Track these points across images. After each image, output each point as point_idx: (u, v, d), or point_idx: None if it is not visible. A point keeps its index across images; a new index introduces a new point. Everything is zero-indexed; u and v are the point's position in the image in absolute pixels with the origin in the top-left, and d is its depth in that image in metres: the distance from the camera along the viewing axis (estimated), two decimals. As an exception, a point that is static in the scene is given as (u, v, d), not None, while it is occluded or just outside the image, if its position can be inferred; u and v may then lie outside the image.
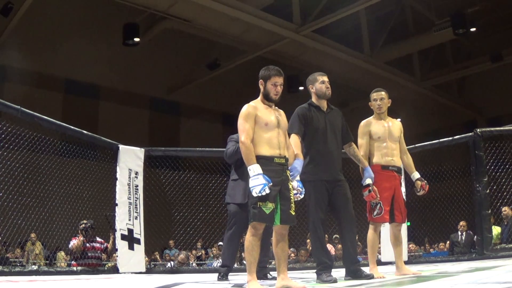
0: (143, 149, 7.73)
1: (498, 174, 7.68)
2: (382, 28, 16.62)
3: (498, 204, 7.84)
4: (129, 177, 7.41)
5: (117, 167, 7.37)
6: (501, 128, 8.06)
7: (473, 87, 20.49)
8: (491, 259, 7.00)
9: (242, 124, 3.74)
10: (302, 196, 3.95)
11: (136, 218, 7.35)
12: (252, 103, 3.85)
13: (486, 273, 4.11)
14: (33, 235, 9.47)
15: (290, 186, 3.77)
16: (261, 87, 3.87)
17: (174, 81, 18.17)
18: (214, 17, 13.66)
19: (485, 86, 19.59)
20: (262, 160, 3.66)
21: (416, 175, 4.96)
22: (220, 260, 5.76)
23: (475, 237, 8.54)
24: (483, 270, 4.61)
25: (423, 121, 18.79)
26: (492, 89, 19.01)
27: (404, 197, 5.05)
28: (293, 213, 3.73)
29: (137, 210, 7.39)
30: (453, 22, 14.73)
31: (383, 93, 4.92)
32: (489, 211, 7.43)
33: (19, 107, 6.09)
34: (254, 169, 3.57)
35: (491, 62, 17.70)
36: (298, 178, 3.94)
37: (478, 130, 7.69)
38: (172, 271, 8.23)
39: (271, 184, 3.54)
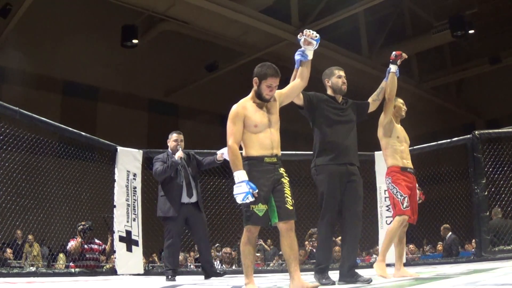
0: (141, 151, 7.73)
1: (496, 176, 7.68)
2: (381, 30, 16.63)
3: (496, 206, 7.85)
4: (127, 179, 7.40)
5: (115, 169, 7.36)
6: (500, 130, 8.06)
7: (471, 89, 20.53)
8: (489, 261, 7.01)
9: (230, 127, 3.61)
10: (317, 35, 3.81)
11: (134, 220, 7.35)
12: (241, 101, 3.71)
13: (484, 275, 4.11)
14: (30, 236, 9.46)
15: (285, 181, 3.62)
16: (255, 85, 3.70)
17: (172, 83, 18.17)
18: (213, 19, 13.67)
19: (483, 88, 19.63)
20: (252, 161, 3.58)
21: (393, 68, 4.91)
22: (193, 263, 6.17)
23: (474, 239, 8.55)
24: (481, 272, 4.62)
25: (421, 123, 18.77)
26: (491, 91, 19.05)
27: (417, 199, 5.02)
28: (291, 208, 3.57)
29: (135, 212, 7.38)
30: (451, 24, 14.75)
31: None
32: (487, 213, 7.44)
33: (17, 108, 6.07)
34: (238, 176, 3.46)
35: (489, 64, 17.72)
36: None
37: (477, 132, 7.70)
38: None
39: (256, 191, 3.42)
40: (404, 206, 4.68)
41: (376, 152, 7.99)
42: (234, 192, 3.44)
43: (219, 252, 10.42)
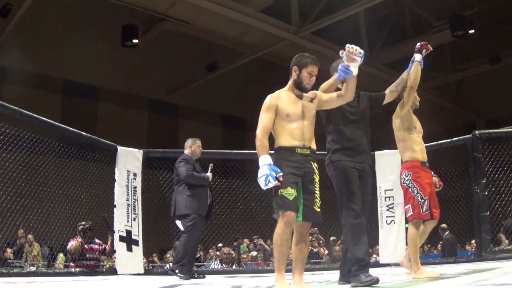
0: (141, 151, 7.74)
1: (496, 176, 7.68)
2: (381, 30, 16.64)
3: (497, 206, 7.84)
4: (128, 179, 7.41)
5: (116, 169, 7.37)
6: (500, 130, 8.06)
7: (471, 89, 20.52)
8: (489, 261, 7.01)
9: (261, 116, 3.58)
10: (361, 52, 3.57)
11: (134, 219, 7.35)
12: (277, 92, 3.67)
13: (484, 275, 4.11)
14: (30, 236, 9.46)
15: (317, 180, 3.55)
16: (294, 74, 3.66)
17: (172, 82, 18.18)
18: (213, 18, 13.67)
19: (483, 88, 19.62)
20: (283, 150, 3.51)
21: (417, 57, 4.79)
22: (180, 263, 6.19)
23: (474, 240, 8.55)
24: (481, 272, 4.62)
25: (421, 123, 18.73)
26: (491, 91, 19.04)
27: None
28: (318, 210, 3.50)
29: (135, 211, 7.39)
30: (451, 24, 14.77)
31: None
32: (487, 213, 7.43)
33: (17, 108, 6.08)
34: (262, 161, 3.37)
35: (489, 64, 17.74)
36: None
37: (477, 132, 7.70)
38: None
39: (280, 174, 3.32)
40: (424, 210, 4.51)
41: (376, 152, 7.99)
42: (258, 177, 3.34)
43: (220, 252, 10.42)
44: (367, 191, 4.17)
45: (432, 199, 4.61)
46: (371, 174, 4.24)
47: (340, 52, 3.64)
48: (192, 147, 6.52)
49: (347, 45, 3.61)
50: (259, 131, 3.51)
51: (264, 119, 3.55)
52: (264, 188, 3.31)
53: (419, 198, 4.53)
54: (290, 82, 3.70)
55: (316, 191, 3.52)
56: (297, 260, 3.52)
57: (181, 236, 6.24)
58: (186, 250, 6.08)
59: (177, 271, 6.00)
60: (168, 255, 11.10)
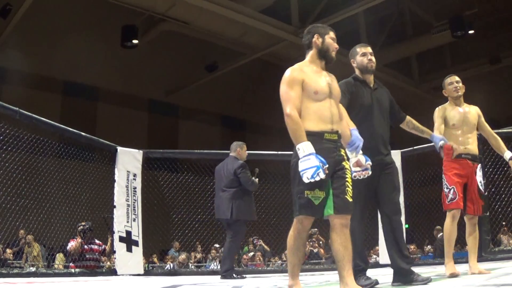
0: (141, 151, 7.74)
1: (496, 176, 7.67)
2: (381, 31, 16.64)
3: (497, 206, 7.84)
4: (128, 179, 7.41)
5: (116, 169, 7.37)
6: (500, 130, 8.03)
7: (471, 90, 20.48)
8: (489, 261, 7.00)
9: (286, 92, 3.05)
10: (370, 172, 3.35)
11: (134, 220, 7.35)
12: (298, 65, 3.18)
13: (484, 275, 4.11)
14: (30, 236, 9.46)
15: (347, 166, 3.13)
16: (317, 43, 3.21)
17: (172, 83, 18.18)
18: (213, 19, 13.68)
19: (483, 88, 19.59)
20: (310, 136, 2.99)
21: (507, 154, 4.69)
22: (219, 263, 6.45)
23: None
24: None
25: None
26: (491, 91, 19.01)
27: (481, 188, 4.60)
28: (351, 200, 3.05)
29: (135, 212, 7.39)
30: (451, 25, 14.78)
31: (457, 77, 4.75)
32: (487, 213, 7.43)
33: (17, 109, 6.08)
34: (305, 148, 2.90)
35: (489, 65, 17.74)
36: (361, 152, 3.30)
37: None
38: (170, 273, 8.22)
39: (327, 166, 2.89)
40: (449, 199, 4.41)
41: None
42: (300, 168, 2.88)
43: (219, 253, 10.43)
44: (393, 182, 3.83)
45: (469, 192, 4.51)
46: (394, 163, 3.90)
47: (364, 160, 3.35)
48: (240, 151, 6.66)
49: (369, 163, 3.35)
50: (290, 110, 3.00)
51: (291, 95, 3.03)
52: (306, 181, 2.88)
53: (445, 189, 4.51)
54: (311, 53, 3.24)
55: (347, 178, 3.09)
56: (344, 259, 3.02)
57: (229, 240, 6.49)
58: (233, 255, 6.58)
59: (230, 275, 6.31)
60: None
